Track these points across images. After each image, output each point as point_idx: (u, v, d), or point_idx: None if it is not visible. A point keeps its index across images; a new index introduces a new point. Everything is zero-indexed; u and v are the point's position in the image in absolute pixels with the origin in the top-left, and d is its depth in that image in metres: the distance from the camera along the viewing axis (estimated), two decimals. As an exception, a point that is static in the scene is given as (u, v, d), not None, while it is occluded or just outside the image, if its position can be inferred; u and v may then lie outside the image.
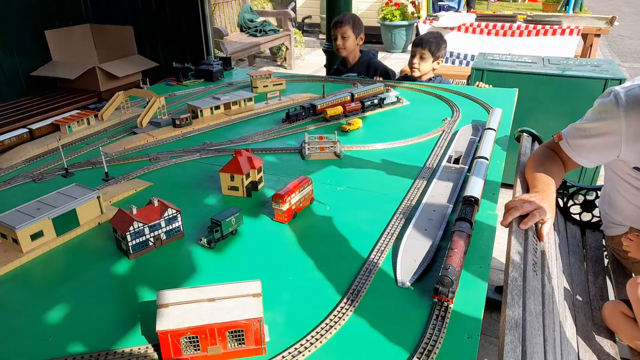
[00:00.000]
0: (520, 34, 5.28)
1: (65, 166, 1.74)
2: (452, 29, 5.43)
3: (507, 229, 1.42)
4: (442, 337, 0.98)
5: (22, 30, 3.69)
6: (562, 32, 5.14)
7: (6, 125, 2.86)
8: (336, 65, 3.60)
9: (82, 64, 3.75)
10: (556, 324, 1.35)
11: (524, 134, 2.06)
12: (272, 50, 7.70)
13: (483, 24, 5.39)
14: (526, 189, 1.63)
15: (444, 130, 2.09)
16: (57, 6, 3.89)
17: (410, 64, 3.08)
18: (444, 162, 1.74)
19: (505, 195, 1.47)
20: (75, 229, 1.37)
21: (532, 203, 1.41)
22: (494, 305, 2.42)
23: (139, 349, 0.97)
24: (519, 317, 1.12)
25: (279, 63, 7.67)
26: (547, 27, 5.19)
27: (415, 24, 7.89)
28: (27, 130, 2.02)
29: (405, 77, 3.21)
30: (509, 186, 1.94)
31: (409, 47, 3.47)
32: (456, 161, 1.74)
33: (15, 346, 0.99)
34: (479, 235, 1.33)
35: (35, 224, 1.27)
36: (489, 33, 5.30)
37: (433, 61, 3.02)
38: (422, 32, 5.75)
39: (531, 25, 5.26)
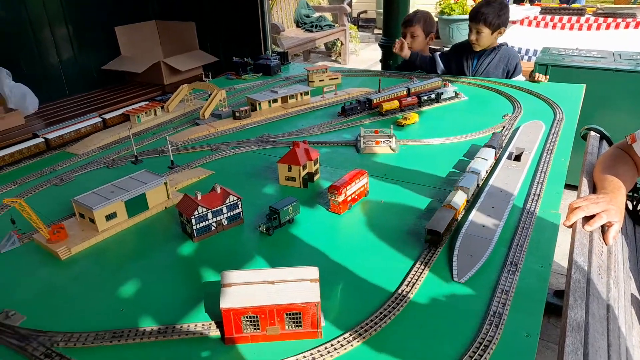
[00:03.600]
0: (589, 28, 4.99)
1: (135, 154, 1.86)
2: (514, 22, 5.22)
3: (570, 229, 1.37)
4: (499, 333, 0.97)
5: (94, 27, 3.94)
6: (637, 25, 4.80)
7: (82, 115, 3.07)
8: (400, 60, 3.57)
9: (148, 59, 3.96)
10: (622, 330, 1.29)
11: (591, 132, 1.97)
12: (327, 45, 7.74)
13: (548, 17, 5.15)
14: (593, 189, 1.56)
15: (504, 127, 2.03)
16: (126, 3, 4.12)
17: (470, 40, 2.91)
18: (504, 159, 1.70)
19: (568, 198, 1.41)
20: (144, 212, 1.46)
21: (600, 204, 1.35)
22: (552, 309, 2.33)
23: (203, 325, 1.02)
24: (581, 320, 1.08)
25: (333, 58, 7.69)
26: (619, 20, 4.87)
27: (474, 18, 7.65)
28: (101, 119, 2.17)
29: (468, 46, 2.99)
30: (572, 188, 1.86)
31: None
32: (517, 158, 1.69)
33: (92, 315, 1.08)
34: (540, 234, 1.29)
35: (110, 206, 1.37)
36: (554, 27, 5.05)
37: (492, 33, 2.81)
38: (482, 26, 5.57)
39: (601, 18, 4.96)
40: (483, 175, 1.57)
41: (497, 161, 1.70)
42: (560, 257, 2.58)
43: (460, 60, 3.02)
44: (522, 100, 2.34)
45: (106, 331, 1.01)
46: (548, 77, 2.72)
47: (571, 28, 5.01)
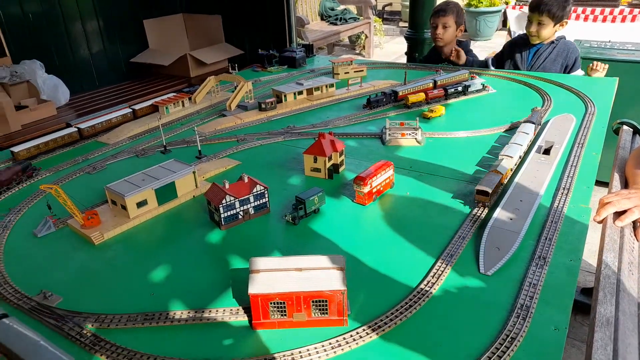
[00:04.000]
0: (623, 20, 4.84)
1: (164, 144, 1.90)
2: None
3: (600, 226, 1.34)
4: (526, 327, 0.96)
5: (124, 20, 4.02)
6: (674, 17, 4.63)
7: (111, 106, 3.14)
8: (426, 53, 3.53)
9: (175, 52, 4.02)
10: (653, 329, 1.26)
11: (624, 126, 1.92)
12: (350, 38, 7.70)
13: (580, 8, 5.00)
14: (625, 185, 1.52)
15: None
16: (155, -3, 4.19)
17: (529, 32, 2.78)
18: (533, 152, 1.67)
19: (598, 194, 1.38)
20: (173, 200, 1.49)
21: (632, 199, 1.32)
22: (579, 307, 2.29)
23: (231, 310, 1.05)
24: (610, 315, 1.06)
25: (357, 51, 7.66)
26: (657, 11, 4.70)
27: (503, 10, 7.51)
28: (131, 110, 2.22)
29: (522, 40, 2.90)
30: (603, 184, 1.82)
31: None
32: (546, 151, 1.66)
33: (125, 298, 1.12)
34: (569, 228, 1.27)
35: (141, 193, 1.41)
36: (586, 19, 4.91)
37: (555, 25, 2.68)
38: (511, 19, 5.47)
39: (637, 10, 4.79)
40: (524, 148, 1.67)
41: (526, 155, 1.68)
42: (588, 254, 2.53)
43: (513, 55, 2.91)
44: (552, 94, 2.29)
45: (138, 313, 1.05)
46: (607, 66, 2.62)
47: (604, 20, 4.86)
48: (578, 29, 4.89)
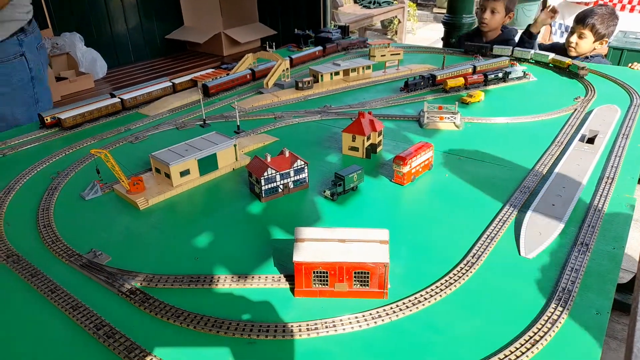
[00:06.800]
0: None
1: (204, 117, 1.93)
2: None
3: (635, 222, 1.31)
4: (568, 309, 0.96)
5: (161, -4, 4.07)
6: None
7: (146, 81, 3.20)
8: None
9: (209, 30, 4.05)
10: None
11: (672, 118, 1.86)
12: (383, 23, 7.60)
13: (626, -1, 4.81)
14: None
15: (576, 109, 1.95)
16: (192, -26, 4.21)
17: (567, 42, 2.83)
18: (576, 141, 1.64)
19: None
20: (214, 171, 1.53)
21: None
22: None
23: (273, 277, 1.08)
24: (653, 306, 1.05)
25: (389, 36, 7.56)
26: None
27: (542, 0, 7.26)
28: (171, 84, 2.25)
29: (560, 50, 2.89)
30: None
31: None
32: (590, 141, 1.63)
33: (169, 261, 1.16)
34: (613, 217, 1.25)
35: (184, 163, 1.44)
36: (632, 9, 4.72)
37: (595, 41, 2.74)
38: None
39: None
40: None
41: (569, 142, 1.65)
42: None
43: None
44: (595, 84, 2.23)
45: (184, 275, 1.08)
46: None
47: (651, 11, 4.66)
48: (624, 20, 4.71)
